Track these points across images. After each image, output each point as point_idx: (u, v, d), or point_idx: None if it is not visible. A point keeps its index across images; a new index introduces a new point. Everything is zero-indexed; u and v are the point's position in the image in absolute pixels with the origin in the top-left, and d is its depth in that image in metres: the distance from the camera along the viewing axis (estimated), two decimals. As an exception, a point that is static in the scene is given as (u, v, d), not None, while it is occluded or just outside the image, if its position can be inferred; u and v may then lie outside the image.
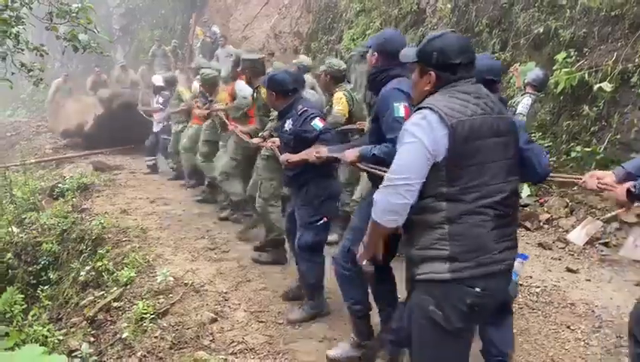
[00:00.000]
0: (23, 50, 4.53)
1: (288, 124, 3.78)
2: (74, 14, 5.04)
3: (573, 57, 6.94)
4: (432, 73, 2.08)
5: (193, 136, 7.23)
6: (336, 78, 5.21)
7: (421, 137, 1.90)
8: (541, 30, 7.50)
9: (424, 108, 1.98)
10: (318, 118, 3.69)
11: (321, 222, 3.71)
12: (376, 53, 2.96)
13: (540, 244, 5.25)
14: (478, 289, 1.93)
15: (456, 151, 1.90)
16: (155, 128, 9.27)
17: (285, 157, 3.72)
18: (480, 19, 8.86)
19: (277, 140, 4.21)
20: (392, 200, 1.93)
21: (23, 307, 4.30)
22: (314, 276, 3.78)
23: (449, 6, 9.20)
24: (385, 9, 10.95)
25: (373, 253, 2.25)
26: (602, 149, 6.29)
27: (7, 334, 3.89)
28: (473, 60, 2.11)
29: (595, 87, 6.40)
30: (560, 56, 6.97)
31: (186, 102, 7.92)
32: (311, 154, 3.41)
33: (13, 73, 4.51)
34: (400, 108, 2.69)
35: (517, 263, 2.33)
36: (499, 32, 8.63)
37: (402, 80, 2.80)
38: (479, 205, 1.93)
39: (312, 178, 3.67)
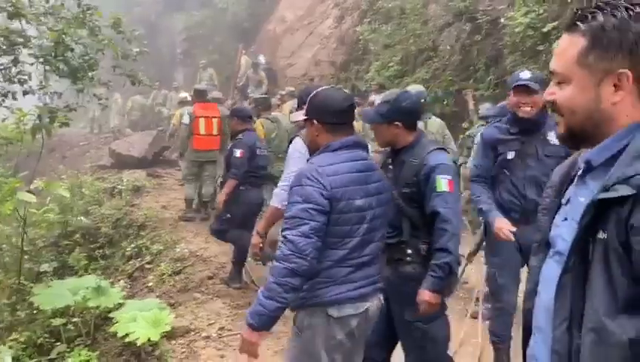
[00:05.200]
0: (95, 85, 6.37)
1: None
2: (134, 58, 6.84)
3: (545, 96, 8.14)
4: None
5: None
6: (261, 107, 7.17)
7: None
8: (522, 71, 8.67)
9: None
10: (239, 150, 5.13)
11: None
12: None
13: None
14: None
15: None
16: None
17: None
18: (480, 58, 10.15)
19: None
20: None
21: (85, 263, 6.10)
22: None
23: (447, 47, 10.57)
24: (404, 45, 12.29)
25: None
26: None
27: (74, 281, 5.65)
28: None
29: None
30: (534, 95, 8.19)
31: None
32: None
33: (88, 101, 6.35)
34: None
35: None
36: (494, 69, 9.89)
37: None
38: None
39: None
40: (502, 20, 9.55)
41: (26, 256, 6.99)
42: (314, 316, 2.24)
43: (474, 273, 5.56)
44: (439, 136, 5.42)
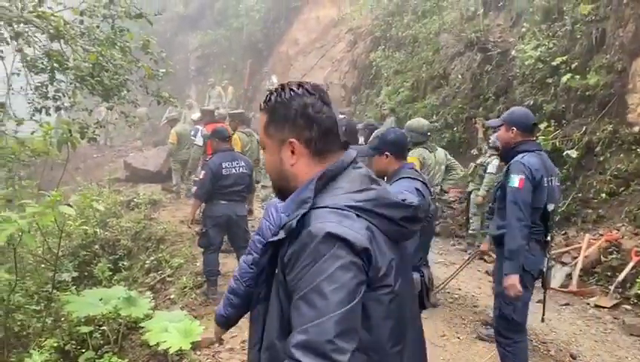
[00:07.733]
0: (123, 103, 6.67)
1: None
2: (160, 78, 7.14)
3: (552, 127, 8.31)
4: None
5: None
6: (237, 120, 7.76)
7: None
8: (531, 103, 8.87)
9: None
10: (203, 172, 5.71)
11: None
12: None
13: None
14: None
15: None
16: None
17: None
18: (490, 88, 10.42)
19: None
20: None
21: (110, 274, 6.34)
22: None
23: (458, 76, 10.87)
24: (415, 72, 12.62)
25: None
26: (565, 205, 7.66)
27: (98, 291, 5.89)
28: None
29: (565, 153, 7.80)
30: (542, 125, 8.37)
31: None
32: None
33: (116, 118, 6.65)
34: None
35: None
36: (504, 99, 10.15)
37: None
38: None
39: None
40: (512, 52, 9.86)
41: (42, 265, 7.24)
42: None
43: (483, 297, 5.77)
44: (444, 163, 5.87)
